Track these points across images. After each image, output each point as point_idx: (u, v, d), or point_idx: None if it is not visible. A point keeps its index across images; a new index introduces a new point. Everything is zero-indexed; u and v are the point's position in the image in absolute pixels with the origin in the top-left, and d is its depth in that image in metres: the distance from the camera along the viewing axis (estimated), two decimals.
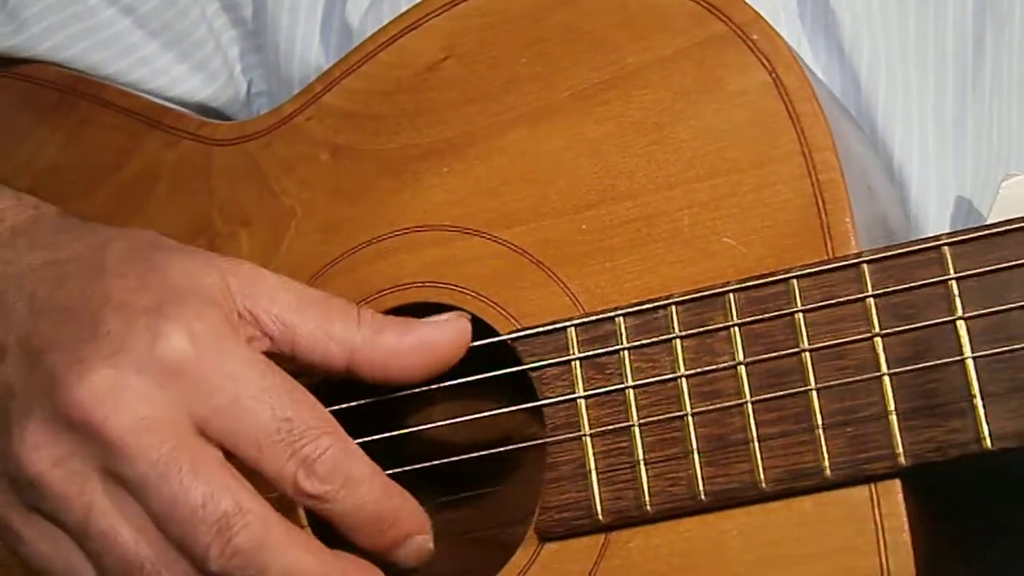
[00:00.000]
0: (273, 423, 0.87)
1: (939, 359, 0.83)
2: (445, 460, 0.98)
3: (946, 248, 0.84)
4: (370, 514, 0.88)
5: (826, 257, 0.87)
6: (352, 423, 0.95)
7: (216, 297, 0.90)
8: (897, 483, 0.84)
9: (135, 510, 0.86)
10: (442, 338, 0.92)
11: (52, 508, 0.88)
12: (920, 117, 1.00)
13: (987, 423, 0.82)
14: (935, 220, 0.99)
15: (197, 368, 0.87)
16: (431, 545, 0.92)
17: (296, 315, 0.91)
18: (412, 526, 0.90)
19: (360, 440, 0.94)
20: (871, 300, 0.85)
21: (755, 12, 0.91)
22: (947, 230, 0.97)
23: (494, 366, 0.94)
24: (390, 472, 0.94)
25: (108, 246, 0.93)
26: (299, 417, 0.87)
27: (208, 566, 0.85)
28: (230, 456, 0.88)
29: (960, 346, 0.83)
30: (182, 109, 1.18)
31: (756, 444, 0.87)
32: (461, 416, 0.97)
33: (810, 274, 0.87)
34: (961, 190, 0.99)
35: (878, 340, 0.85)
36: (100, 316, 0.89)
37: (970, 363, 0.83)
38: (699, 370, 0.89)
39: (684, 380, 0.89)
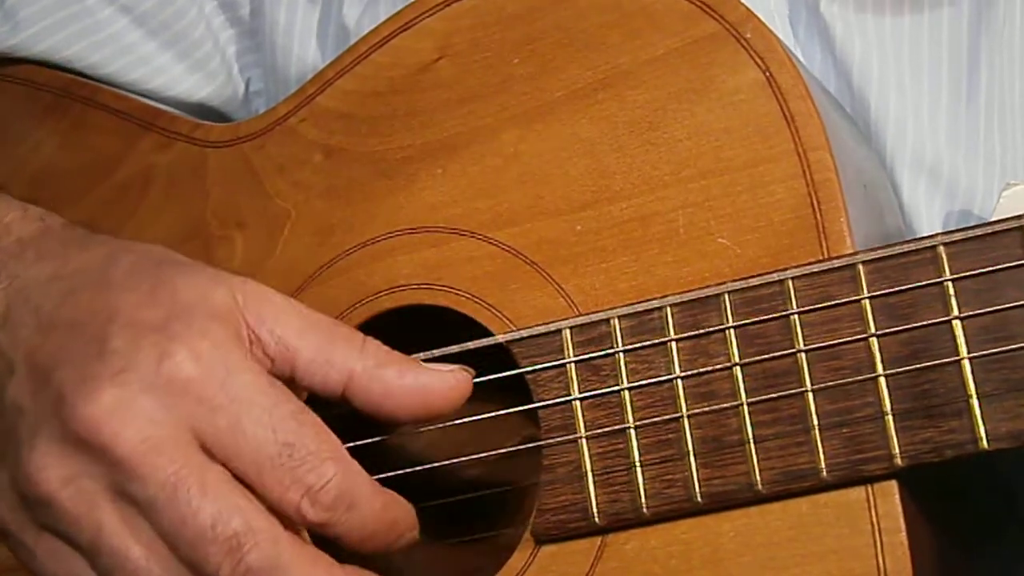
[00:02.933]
0: (274, 447, 0.86)
1: (935, 359, 0.83)
2: (441, 463, 0.98)
3: (941, 248, 0.84)
4: (370, 531, 0.88)
5: (821, 257, 0.87)
6: (348, 425, 0.95)
7: (224, 313, 0.89)
8: (893, 484, 0.84)
9: (145, 529, 0.86)
10: (441, 387, 0.91)
11: (63, 527, 0.87)
12: (915, 123, 0.99)
13: (983, 423, 0.82)
14: (927, 224, 0.98)
15: (201, 387, 0.86)
16: (417, 535, 0.91)
17: (299, 339, 0.90)
18: (404, 528, 0.90)
19: (356, 443, 0.94)
20: (866, 301, 0.85)
21: (748, 10, 0.91)
22: None
23: (489, 368, 0.94)
24: (386, 476, 0.94)
25: (116, 259, 0.93)
26: (301, 442, 0.86)
27: None
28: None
29: (956, 346, 0.83)
30: (176, 111, 1.17)
31: (752, 445, 0.86)
32: (457, 419, 0.96)
33: (805, 275, 0.86)
34: (954, 197, 0.99)
35: (874, 341, 0.84)
36: (107, 332, 0.88)
37: (966, 363, 0.82)
38: (694, 371, 0.88)
39: (680, 381, 0.89)
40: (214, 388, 0.86)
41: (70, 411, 0.86)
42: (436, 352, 0.95)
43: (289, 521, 0.86)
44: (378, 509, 0.88)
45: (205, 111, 1.22)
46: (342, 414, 0.94)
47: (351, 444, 0.92)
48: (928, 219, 0.98)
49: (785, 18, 1.01)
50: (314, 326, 0.91)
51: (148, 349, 0.87)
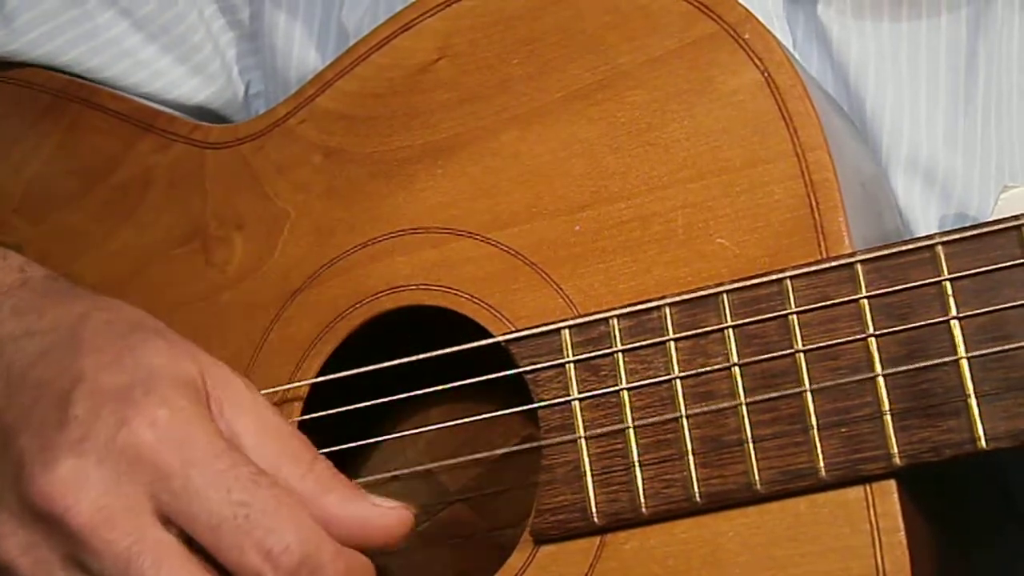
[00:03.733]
0: (228, 508, 0.85)
1: (933, 359, 0.83)
2: (441, 463, 0.98)
3: (940, 248, 0.84)
4: None
5: (820, 257, 0.87)
6: (348, 426, 0.95)
7: (186, 382, 0.89)
8: (892, 483, 0.84)
9: None
10: (381, 524, 0.89)
11: None
12: (911, 126, 0.99)
13: (981, 423, 0.82)
14: (923, 226, 0.99)
15: (157, 454, 0.86)
16: None
17: (250, 439, 0.89)
18: None
19: (356, 444, 0.94)
20: (865, 300, 0.85)
21: (746, 11, 0.91)
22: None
23: (489, 369, 0.94)
24: (386, 476, 0.94)
25: (89, 318, 0.92)
26: (258, 503, 0.85)
27: None
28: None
29: (954, 346, 0.83)
30: (174, 112, 1.17)
31: (751, 445, 0.86)
32: (456, 419, 0.97)
33: (804, 274, 0.86)
34: (950, 199, 0.99)
35: (872, 340, 0.85)
36: (70, 398, 0.88)
37: (964, 363, 0.82)
38: (693, 371, 0.89)
39: (678, 381, 0.89)
40: (169, 453, 0.86)
41: (27, 481, 0.86)
42: (435, 353, 0.95)
43: None
44: (342, 571, 0.86)
45: (205, 114, 1.22)
46: (341, 414, 0.94)
47: (349, 445, 0.93)
48: (924, 221, 0.99)
49: (783, 20, 1.02)
50: (270, 433, 0.90)
51: (107, 417, 0.87)
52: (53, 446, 0.87)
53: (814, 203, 0.88)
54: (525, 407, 0.93)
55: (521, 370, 0.93)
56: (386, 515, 0.89)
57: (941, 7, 0.99)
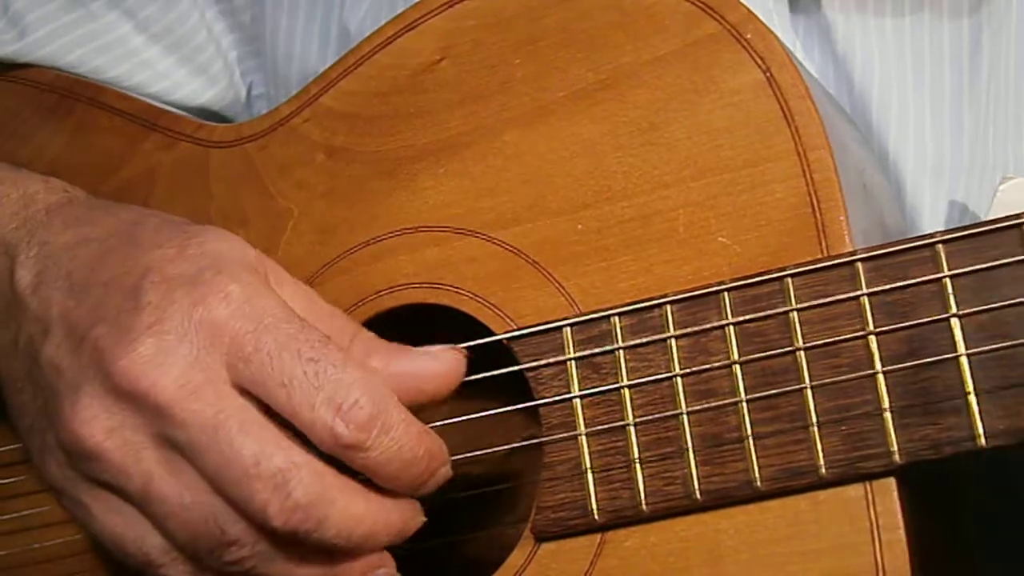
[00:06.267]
0: (299, 366, 0.87)
1: (933, 357, 0.83)
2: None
3: (940, 246, 0.84)
4: (407, 458, 0.88)
5: (820, 256, 0.87)
6: None
7: (251, 263, 0.92)
8: (892, 481, 0.84)
9: (191, 473, 0.88)
10: (435, 369, 0.92)
11: (112, 479, 0.90)
12: (916, 119, 1.00)
13: (981, 420, 0.82)
14: (929, 223, 0.99)
15: (232, 329, 0.88)
16: (450, 472, 0.92)
17: (303, 314, 0.91)
18: (438, 463, 0.91)
19: None
20: (865, 298, 0.85)
21: (748, 11, 0.91)
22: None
23: (491, 366, 0.94)
24: None
25: (142, 221, 0.96)
26: (327, 361, 0.87)
27: (270, 522, 0.86)
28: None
29: (954, 344, 0.83)
30: (179, 111, 1.18)
31: (751, 443, 0.87)
32: (458, 416, 0.97)
33: (804, 272, 0.87)
34: (955, 192, 0.99)
35: (872, 338, 0.85)
36: (140, 288, 0.90)
37: (964, 360, 0.83)
38: (694, 369, 0.89)
39: (679, 379, 0.89)
40: (243, 324, 0.88)
41: (109, 364, 0.89)
42: None
43: (324, 448, 0.87)
44: (414, 435, 0.88)
45: (207, 115, 1.22)
46: None
47: None
48: (931, 217, 0.99)
49: (786, 18, 1.02)
50: (315, 310, 0.93)
51: (181, 299, 0.89)
52: (131, 329, 0.89)
53: (815, 202, 0.88)
54: (526, 404, 0.93)
55: (522, 367, 0.93)
56: (438, 358, 0.92)
57: (943, 1, 1.00)
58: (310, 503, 0.86)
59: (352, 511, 0.87)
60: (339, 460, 0.88)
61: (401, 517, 0.90)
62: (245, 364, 0.88)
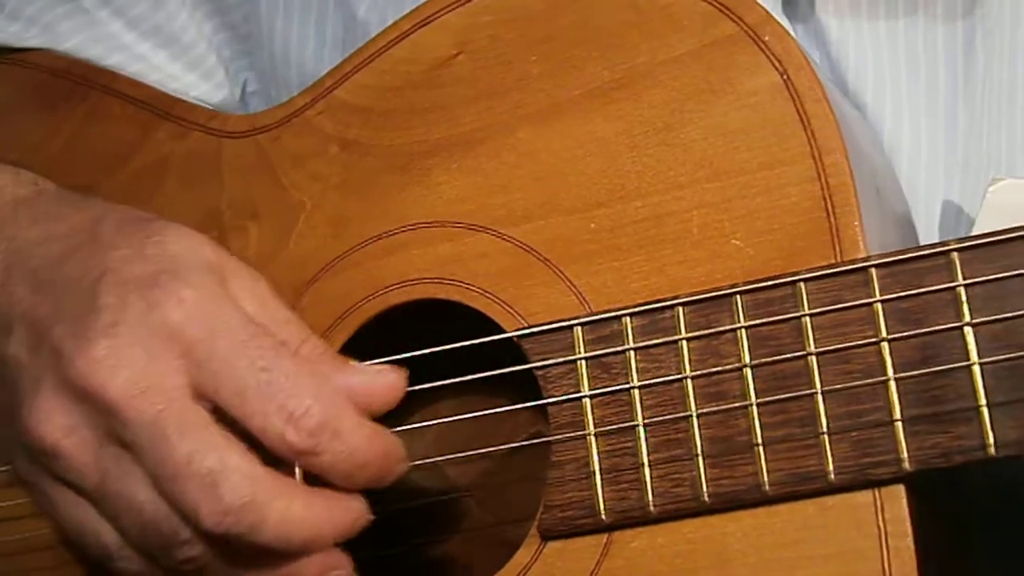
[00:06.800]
0: (252, 375, 0.88)
1: (946, 365, 0.83)
2: (450, 456, 0.98)
3: (955, 254, 0.84)
4: (360, 460, 0.89)
5: (834, 261, 0.87)
6: None
7: (208, 265, 0.93)
8: (901, 488, 0.84)
9: (138, 472, 0.89)
10: (380, 384, 0.92)
11: (70, 475, 0.91)
12: (911, 120, 1.00)
13: (992, 430, 0.82)
14: (925, 223, 0.99)
15: (185, 332, 0.89)
16: (408, 467, 0.92)
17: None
18: (395, 460, 0.91)
19: None
20: (878, 305, 0.85)
21: (766, 12, 0.91)
22: (936, 235, 0.97)
23: (500, 364, 0.94)
24: None
25: (104, 219, 0.96)
26: (280, 370, 0.88)
27: (202, 524, 0.87)
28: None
29: (967, 352, 0.83)
30: (192, 100, 1.18)
31: (760, 447, 0.86)
32: (466, 413, 0.97)
33: (818, 277, 0.86)
34: (951, 193, 0.99)
35: (885, 345, 0.85)
36: (98, 289, 0.92)
37: (976, 369, 0.82)
38: (705, 371, 0.89)
39: (689, 381, 0.89)
40: (197, 329, 0.89)
41: (67, 364, 0.90)
42: (447, 347, 0.96)
43: (276, 454, 0.88)
44: (365, 437, 0.89)
45: None
46: None
47: None
48: (927, 218, 0.99)
49: (783, 21, 1.01)
50: (268, 316, 0.93)
51: (137, 302, 0.90)
52: (87, 330, 0.90)
53: (830, 206, 0.88)
54: (535, 403, 0.93)
55: (532, 366, 0.93)
56: (381, 375, 0.92)
57: (937, 2, 1.00)
58: (242, 506, 0.86)
59: (291, 514, 0.88)
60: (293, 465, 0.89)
61: (348, 516, 0.90)
62: (199, 370, 0.89)
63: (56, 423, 0.90)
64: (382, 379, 0.92)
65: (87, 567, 1.01)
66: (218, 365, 0.89)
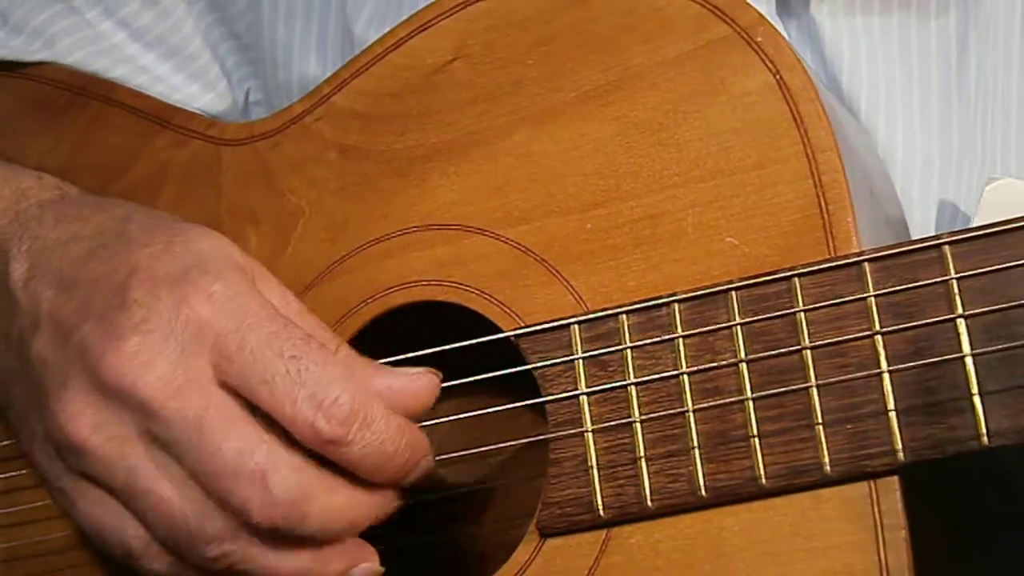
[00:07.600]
0: (281, 364, 0.88)
1: (939, 357, 0.84)
2: (450, 455, 0.99)
3: (947, 248, 0.85)
4: (389, 452, 0.89)
5: (828, 256, 0.88)
6: None
7: (237, 264, 0.93)
8: (896, 480, 0.84)
9: (175, 469, 0.89)
10: (413, 388, 0.92)
11: (97, 472, 0.91)
12: (905, 117, 1.00)
13: (985, 420, 0.82)
14: (920, 220, 1.00)
15: (216, 327, 0.89)
16: (433, 462, 0.93)
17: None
18: (420, 455, 0.91)
19: None
20: (872, 299, 0.86)
21: (759, 14, 0.92)
22: (933, 233, 0.98)
23: (498, 364, 0.95)
24: None
25: (132, 218, 0.97)
26: (309, 359, 0.88)
27: (251, 519, 0.87)
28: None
29: (960, 344, 0.84)
30: (191, 109, 1.18)
31: (757, 441, 0.87)
32: (465, 413, 0.97)
33: (812, 272, 0.87)
34: (945, 190, 1.00)
35: (879, 338, 0.85)
36: (127, 286, 0.91)
37: (969, 361, 0.83)
38: (701, 367, 0.89)
39: (686, 377, 0.89)
40: (227, 322, 0.89)
41: (96, 360, 0.90)
42: (445, 348, 0.96)
43: (306, 444, 0.88)
44: (394, 429, 0.89)
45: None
46: None
47: None
48: (922, 215, 0.99)
49: (776, 21, 1.02)
50: (295, 317, 0.93)
51: (166, 298, 0.90)
52: (117, 327, 0.90)
53: (823, 203, 0.89)
54: (533, 401, 0.94)
55: (530, 366, 0.94)
56: (416, 379, 0.92)
57: (931, 1, 1.01)
58: (291, 500, 0.87)
59: (332, 505, 0.88)
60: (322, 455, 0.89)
61: (380, 502, 0.91)
62: (229, 362, 0.89)
63: (84, 420, 0.90)
64: (421, 381, 0.92)
65: (103, 568, 1.02)
66: (248, 356, 0.88)
